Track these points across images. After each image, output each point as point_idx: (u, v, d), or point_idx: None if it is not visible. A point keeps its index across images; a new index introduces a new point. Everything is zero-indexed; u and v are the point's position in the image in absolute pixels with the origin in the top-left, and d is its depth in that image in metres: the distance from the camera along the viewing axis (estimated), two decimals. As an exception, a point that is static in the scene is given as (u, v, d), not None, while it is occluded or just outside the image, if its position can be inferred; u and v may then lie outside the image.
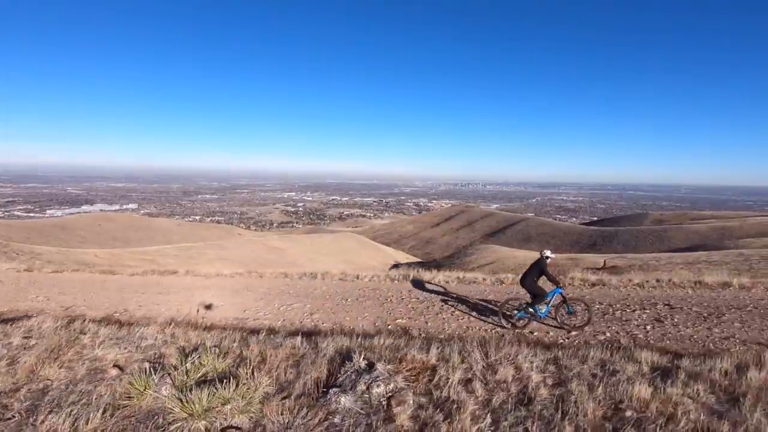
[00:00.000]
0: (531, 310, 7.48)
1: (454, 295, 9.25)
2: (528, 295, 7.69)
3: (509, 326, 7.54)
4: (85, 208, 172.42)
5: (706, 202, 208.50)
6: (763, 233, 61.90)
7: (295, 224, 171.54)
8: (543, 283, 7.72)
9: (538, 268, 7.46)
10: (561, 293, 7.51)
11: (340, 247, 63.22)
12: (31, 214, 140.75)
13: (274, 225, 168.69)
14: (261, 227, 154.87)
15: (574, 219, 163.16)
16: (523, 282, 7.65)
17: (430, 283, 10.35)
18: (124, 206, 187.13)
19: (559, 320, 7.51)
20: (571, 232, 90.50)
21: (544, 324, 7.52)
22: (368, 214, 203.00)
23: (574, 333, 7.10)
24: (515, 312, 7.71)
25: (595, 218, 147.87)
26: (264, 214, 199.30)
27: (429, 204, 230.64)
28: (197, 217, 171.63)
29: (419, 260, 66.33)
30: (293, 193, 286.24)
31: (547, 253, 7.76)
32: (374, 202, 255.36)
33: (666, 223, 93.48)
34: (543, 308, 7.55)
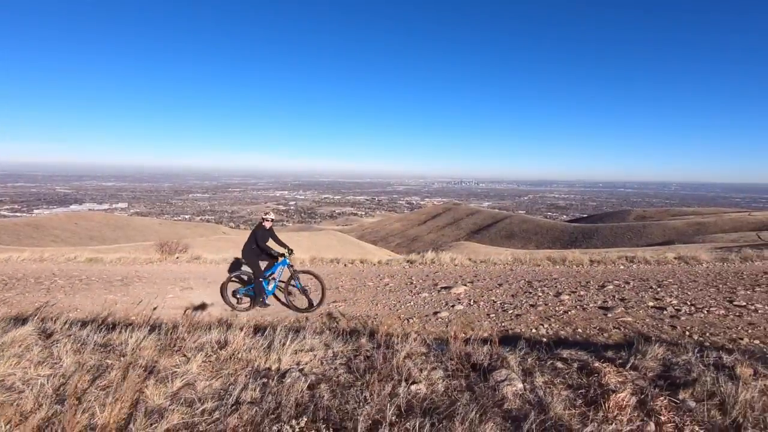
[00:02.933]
0: (256, 286, 6.16)
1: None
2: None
3: (232, 306, 6.35)
4: (74, 207, 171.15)
5: (694, 199, 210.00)
6: (737, 228, 63.02)
7: (285, 223, 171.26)
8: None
9: (255, 235, 6.17)
10: (288, 266, 6.23)
11: (316, 245, 62.94)
12: (18, 214, 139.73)
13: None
14: (251, 226, 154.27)
15: (564, 216, 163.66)
16: (243, 253, 6.28)
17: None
18: (114, 205, 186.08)
19: (286, 298, 6.27)
20: (554, 229, 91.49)
21: (281, 303, 6.44)
22: (359, 213, 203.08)
23: (303, 314, 5.93)
24: (239, 289, 6.41)
25: (585, 215, 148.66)
26: (255, 212, 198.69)
27: (421, 202, 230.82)
28: (187, 216, 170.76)
29: (402, 257, 66.98)
30: (285, 192, 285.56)
31: (264, 215, 6.33)
32: (367, 200, 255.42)
33: (648, 219, 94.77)
34: (271, 284, 6.27)
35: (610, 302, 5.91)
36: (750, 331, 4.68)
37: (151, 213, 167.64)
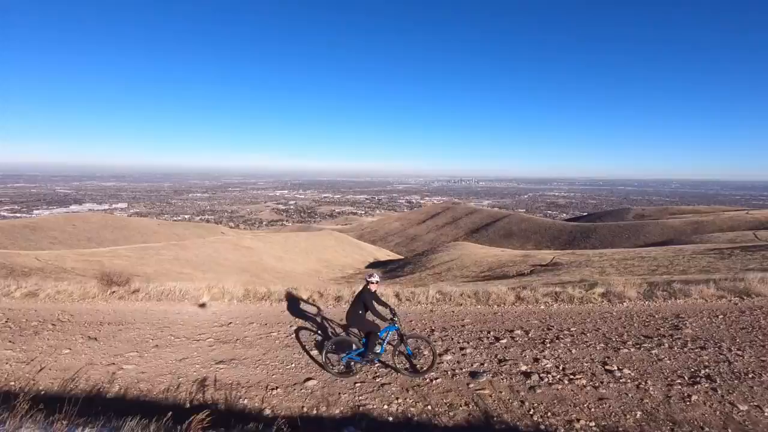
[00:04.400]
0: (362, 352, 5.89)
1: (319, 320, 8.35)
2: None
3: (337, 372, 5.92)
4: (73, 207, 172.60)
5: (694, 197, 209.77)
6: (734, 227, 63.02)
7: (285, 222, 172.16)
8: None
9: (362, 299, 5.90)
10: (398, 330, 5.92)
11: (314, 246, 63.06)
12: (18, 215, 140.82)
13: (264, 223, 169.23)
14: (250, 226, 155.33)
15: (564, 215, 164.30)
16: (349, 318, 6.02)
17: (307, 302, 9.51)
18: (114, 205, 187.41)
19: (396, 364, 5.94)
20: (552, 228, 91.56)
21: (386, 367, 6.04)
22: (359, 212, 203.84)
23: (417, 380, 5.59)
24: (343, 354, 6.10)
25: (585, 213, 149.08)
26: (254, 212, 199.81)
27: (421, 201, 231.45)
28: (187, 216, 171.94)
29: (400, 257, 67.05)
30: (285, 191, 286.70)
31: (372, 278, 6.02)
32: (366, 199, 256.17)
33: (647, 218, 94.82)
34: (378, 348, 5.99)
35: (486, 365, 5.87)
36: (593, 409, 4.64)
37: (150, 213, 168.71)
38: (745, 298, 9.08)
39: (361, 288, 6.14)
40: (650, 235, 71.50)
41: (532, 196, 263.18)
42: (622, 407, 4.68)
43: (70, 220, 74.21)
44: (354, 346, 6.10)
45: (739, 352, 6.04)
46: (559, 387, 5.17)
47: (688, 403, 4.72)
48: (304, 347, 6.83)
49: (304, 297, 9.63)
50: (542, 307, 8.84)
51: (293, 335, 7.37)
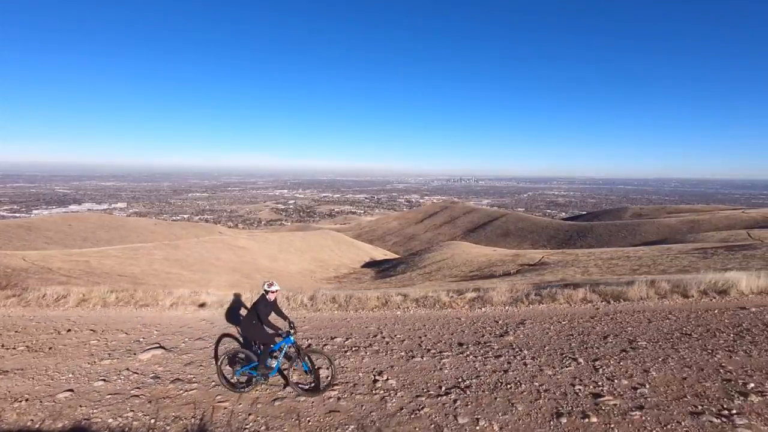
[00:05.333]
0: (257, 365, 5.58)
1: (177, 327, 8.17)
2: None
3: (231, 385, 5.60)
4: (73, 207, 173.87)
5: (693, 196, 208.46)
6: (730, 226, 62.28)
7: (284, 222, 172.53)
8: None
9: (256, 309, 5.61)
10: (294, 344, 5.60)
11: (310, 246, 62.74)
12: (17, 214, 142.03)
13: (263, 223, 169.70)
14: (249, 225, 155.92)
15: (563, 213, 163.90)
16: (243, 328, 5.77)
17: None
18: (113, 205, 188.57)
19: (290, 379, 5.54)
20: (549, 228, 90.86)
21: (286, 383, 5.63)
22: (358, 211, 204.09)
23: (310, 399, 5.14)
24: (238, 367, 5.81)
25: (583, 212, 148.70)
26: (254, 212, 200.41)
27: (421, 200, 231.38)
28: (186, 216, 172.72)
29: (396, 256, 66.80)
30: (285, 191, 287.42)
31: (271, 287, 5.73)
32: (366, 198, 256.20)
33: (644, 217, 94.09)
34: (273, 363, 5.64)
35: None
36: (314, 422, 4.39)
37: (149, 213, 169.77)
38: (611, 302, 8.87)
39: (258, 297, 5.86)
40: (646, 234, 70.81)
41: (532, 195, 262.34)
42: (344, 420, 4.52)
43: (67, 220, 74.23)
44: (251, 360, 5.76)
45: (531, 361, 5.86)
46: (302, 399, 5.02)
47: (414, 415, 4.55)
48: (110, 354, 6.71)
49: (165, 302, 9.51)
50: (398, 312, 8.67)
51: (114, 342, 7.25)
